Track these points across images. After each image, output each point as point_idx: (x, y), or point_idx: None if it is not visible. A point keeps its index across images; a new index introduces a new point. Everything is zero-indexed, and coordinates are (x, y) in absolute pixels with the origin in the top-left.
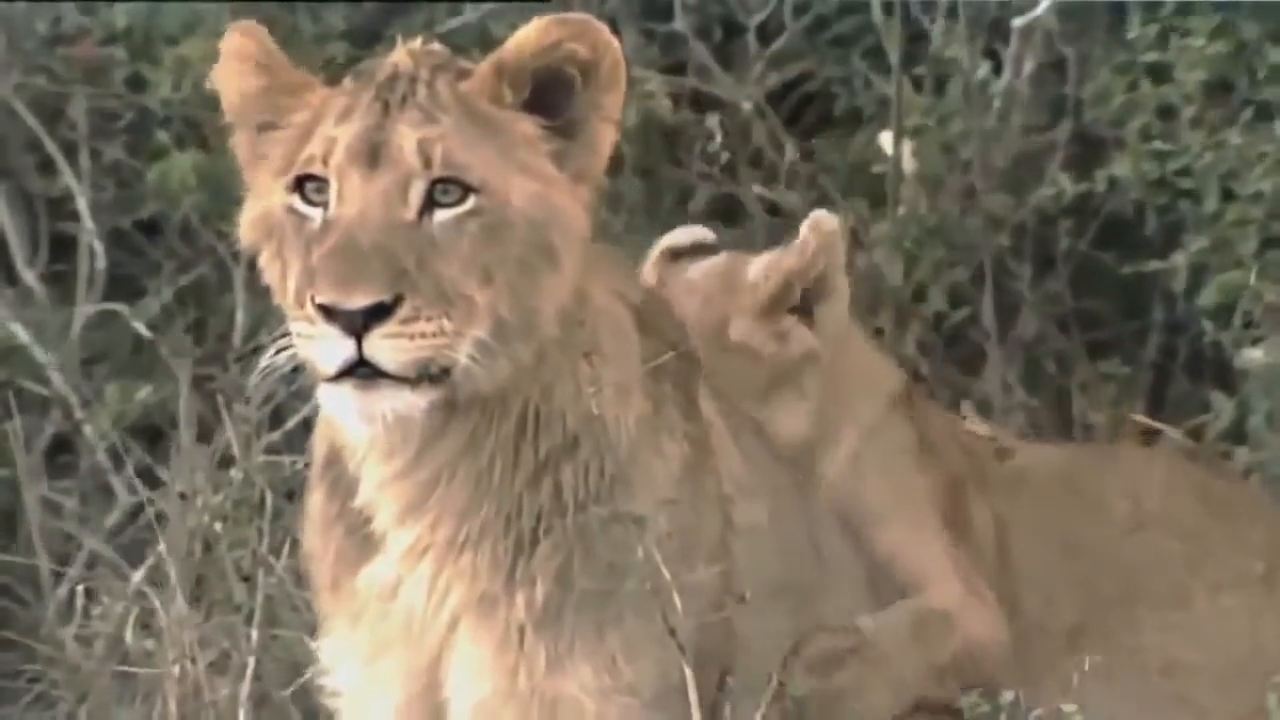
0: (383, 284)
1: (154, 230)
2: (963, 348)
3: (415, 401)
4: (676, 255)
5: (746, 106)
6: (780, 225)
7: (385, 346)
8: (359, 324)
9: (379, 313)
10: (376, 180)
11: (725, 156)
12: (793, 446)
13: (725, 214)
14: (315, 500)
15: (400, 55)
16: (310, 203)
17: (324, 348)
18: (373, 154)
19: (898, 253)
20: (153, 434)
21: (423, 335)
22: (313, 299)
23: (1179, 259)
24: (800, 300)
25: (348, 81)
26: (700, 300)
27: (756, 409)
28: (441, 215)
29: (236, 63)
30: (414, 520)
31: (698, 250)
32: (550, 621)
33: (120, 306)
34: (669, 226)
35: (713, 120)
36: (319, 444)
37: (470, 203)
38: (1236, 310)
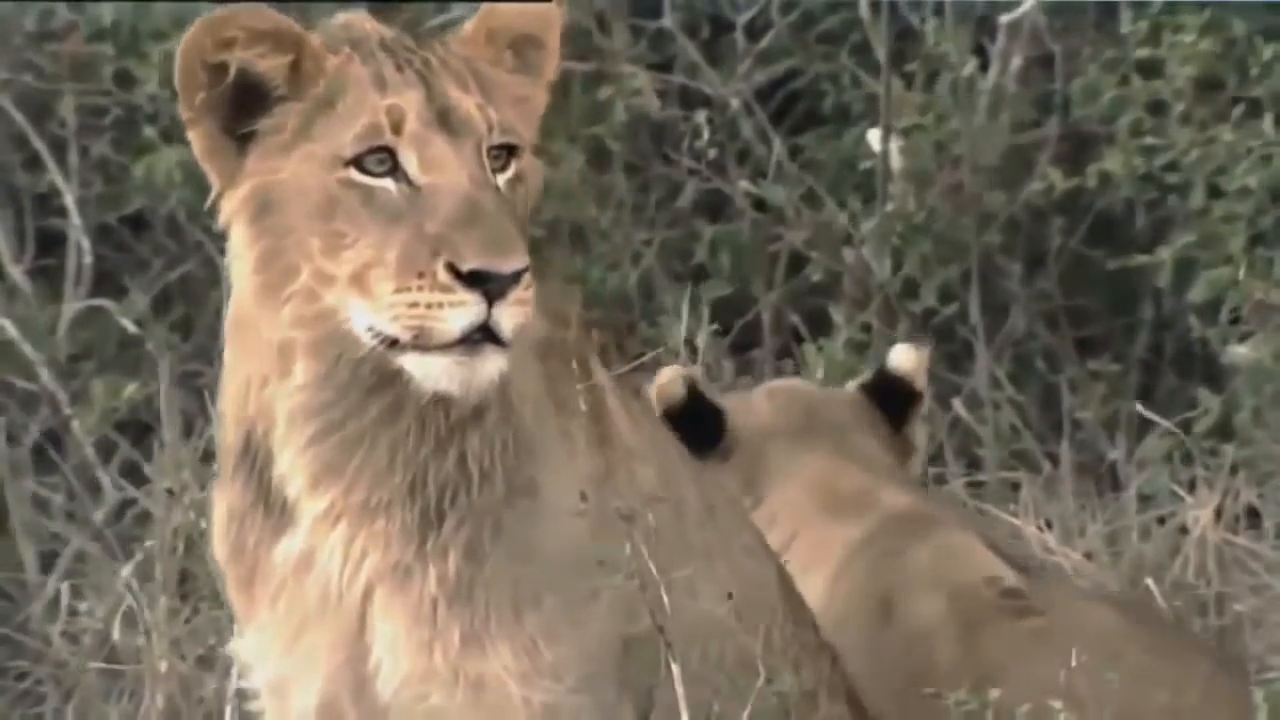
0: (524, 248)
1: (141, 226)
2: (951, 344)
3: (505, 368)
4: None
5: (734, 103)
6: (767, 221)
7: (510, 312)
8: (503, 289)
9: (518, 278)
10: (461, 147)
11: (713, 153)
12: None
13: (713, 210)
14: (231, 492)
15: (364, 21)
16: (371, 174)
17: (457, 314)
18: (444, 120)
19: (885, 249)
20: (140, 430)
21: (528, 301)
22: (450, 266)
23: (1165, 254)
24: None
25: (344, 49)
26: None
27: None
28: (500, 180)
29: (255, 40)
30: (327, 485)
31: None
32: (464, 597)
33: (107, 302)
34: (656, 222)
35: (700, 117)
36: (232, 432)
37: (514, 168)
38: (1224, 306)
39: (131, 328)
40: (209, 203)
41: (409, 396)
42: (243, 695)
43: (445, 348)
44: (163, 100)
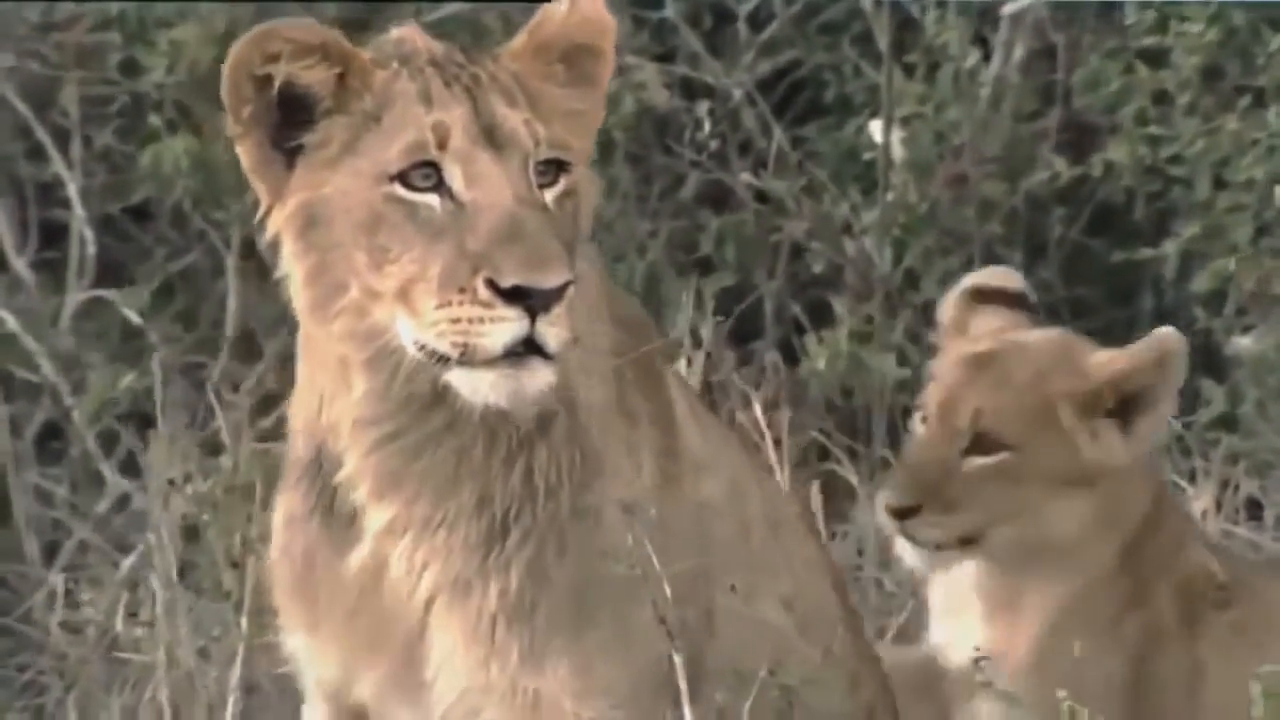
0: (567, 263)
1: (145, 216)
2: None
3: (552, 381)
4: (982, 296)
5: (737, 94)
6: (769, 212)
7: (556, 325)
8: (545, 304)
9: (561, 293)
10: (506, 163)
11: (715, 144)
12: (1053, 547)
13: (715, 201)
14: (293, 498)
15: (416, 37)
16: (416, 189)
17: (500, 330)
18: (490, 136)
19: (887, 240)
20: (144, 422)
21: (572, 313)
22: (490, 282)
23: (1170, 246)
24: (1122, 408)
25: (393, 64)
26: (1033, 372)
27: (1044, 496)
28: (547, 195)
29: (301, 53)
30: (392, 494)
31: (1002, 296)
32: (524, 615)
33: (111, 293)
34: (659, 213)
35: (703, 108)
36: (303, 444)
37: (563, 183)
38: (1228, 298)
39: (134, 318)
40: (258, 217)
41: (465, 410)
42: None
43: (490, 363)
44: (169, 89)
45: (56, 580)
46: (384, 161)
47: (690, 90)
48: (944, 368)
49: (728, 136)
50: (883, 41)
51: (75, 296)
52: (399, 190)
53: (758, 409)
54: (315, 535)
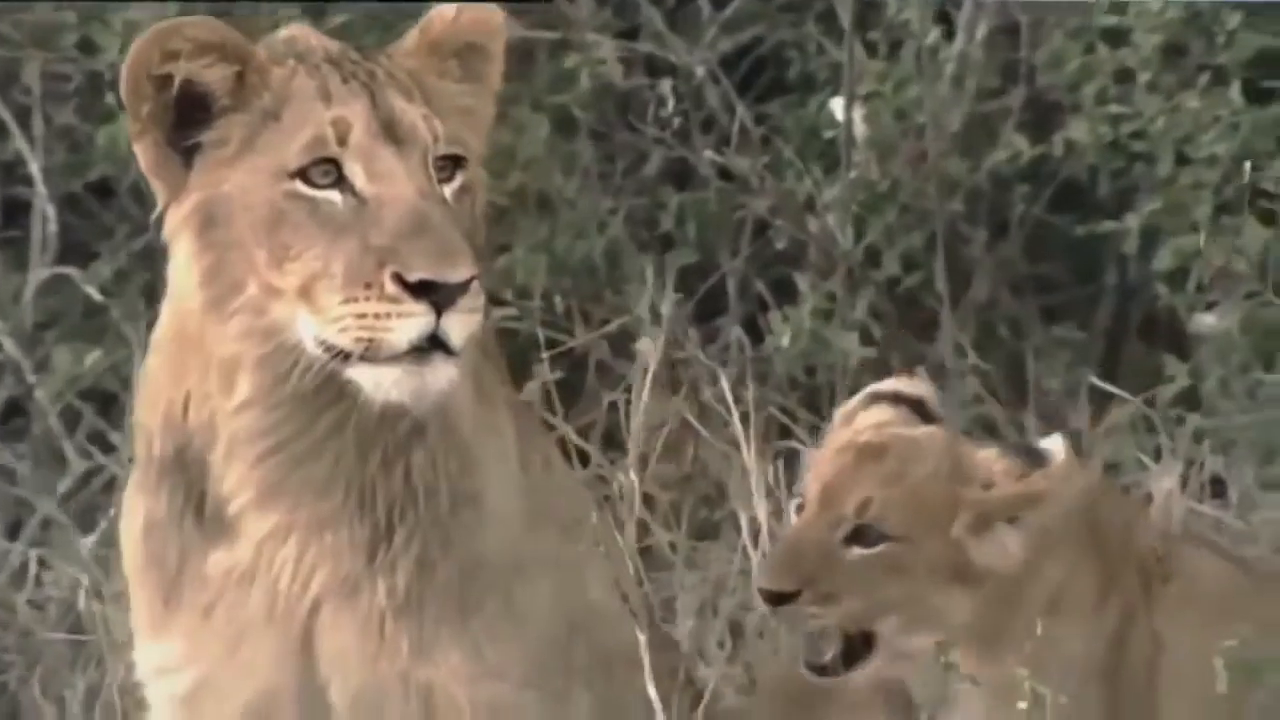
0: (472, 258)
1: (106, 193)
2: (916, 312)
3: (455, 377)
4: (880, 398)
5: (699, 71)
6: (732, 189)
7: (461, 321)
8: (451, 299)
9: (465, 287)
10: (407, 158)
11: (678, 121)
12: (923, 638)
13: (678, 178)
14: (154, 501)
15: (309, 35)
16: (317, 186)
17: (406, 325)
18: (390, 131)
19: (849, 217)
20: (105, 399)
21: (478, 309)
22: (398, 277)
23: (1132, 220)
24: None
25: (290, 61)
26: (928, 470)
27: (931, 590)
28: (446, 190)
29: (200, 51)
30: (274, 503)
31: (899, 399)
32: (412, 609)
33: (72, 270)
34: (621, 190)
35: (665, 85)
36: (160, 443)
37: (460, 178)
38: (1190, 275)
39: (97, 296)
40: (154, 216)
41: (355, 411)
42: None
43: (394, 359)
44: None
45: (24, 555)
46: (284, 158)
47: (653, 67)
48: (825, 456)
49: (690, 114)
50: (845, 19)
51: (38, 274)
52: (299, 187)
53: (725, 385)
54: (189, 538)
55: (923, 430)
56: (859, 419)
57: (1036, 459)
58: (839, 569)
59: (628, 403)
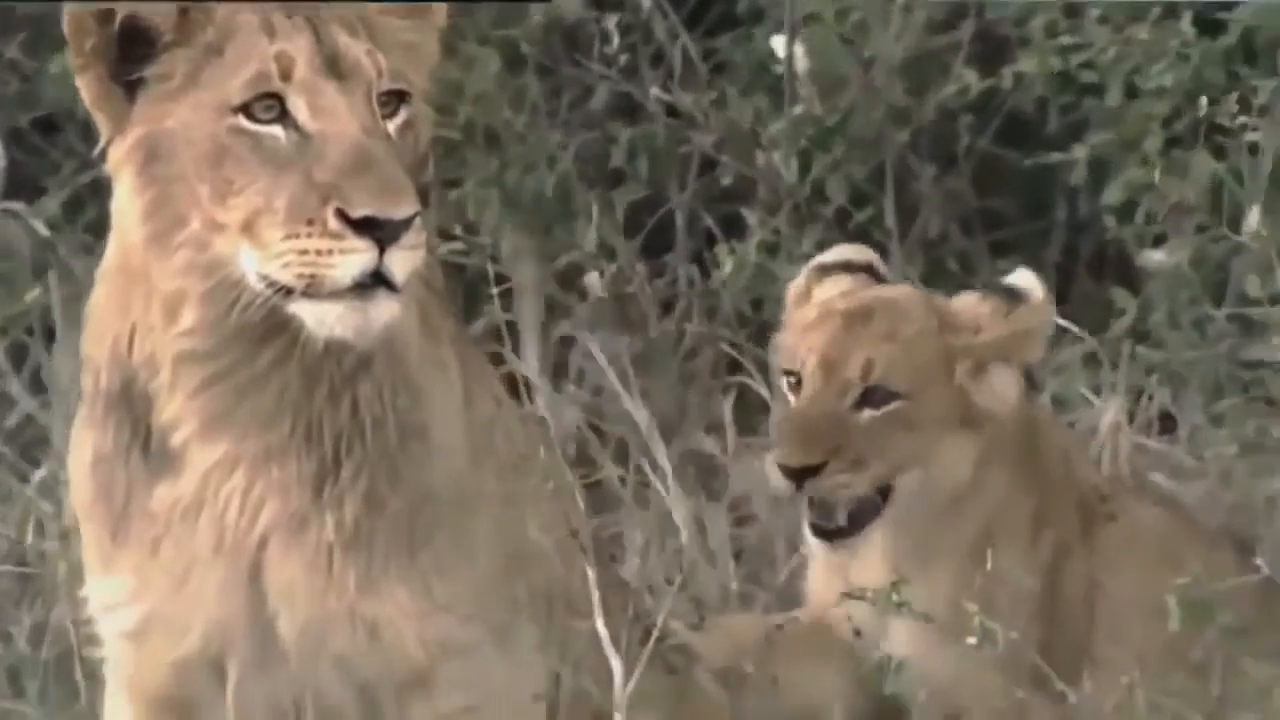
0: (414, 194)
1: (53, 129)
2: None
3: (398, 313)
4: (828, 270)
5: (646, 5)
6: (679, 125)
7: (403, 258)
8: (394, 235)
9: (409, 223)
10: (351, 93)
11: (625, 57)
12: (953, 490)
13: (625, 113)
14: (101, 435)
15: None
16: (260, 121)
17: (349, 261)
18: (333, 66)
19: (794, 152)
20: (53, 335)
21: (421, 245)
22: (341, 213)
23: (1080, 153)
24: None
25: None
26: (918, 324)
27: (937, 440)
28: (390, 126)
29: None
30: (220, 433)
31: (848, 267)
32: (361, 544)
33: (19, 206)
34: (569, 125)
35: (612, 20)
36: (107, 376)
37: (403, 114)
38: (1139, 208)
39: (43, 231)
40: (98, 150)
41: (299, 345)
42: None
43: (337, 295)
44: None
45: None
46: (227, 93)
47: (600, 1)
48: (809, 328)
49: (638, 48)
50: None
51: None
52: (243, 122)
53: (674, 319)
54: (135, 472)
55: (896, 288)
56: (819, 291)
57: (1014, 296)
58: (856, 433)
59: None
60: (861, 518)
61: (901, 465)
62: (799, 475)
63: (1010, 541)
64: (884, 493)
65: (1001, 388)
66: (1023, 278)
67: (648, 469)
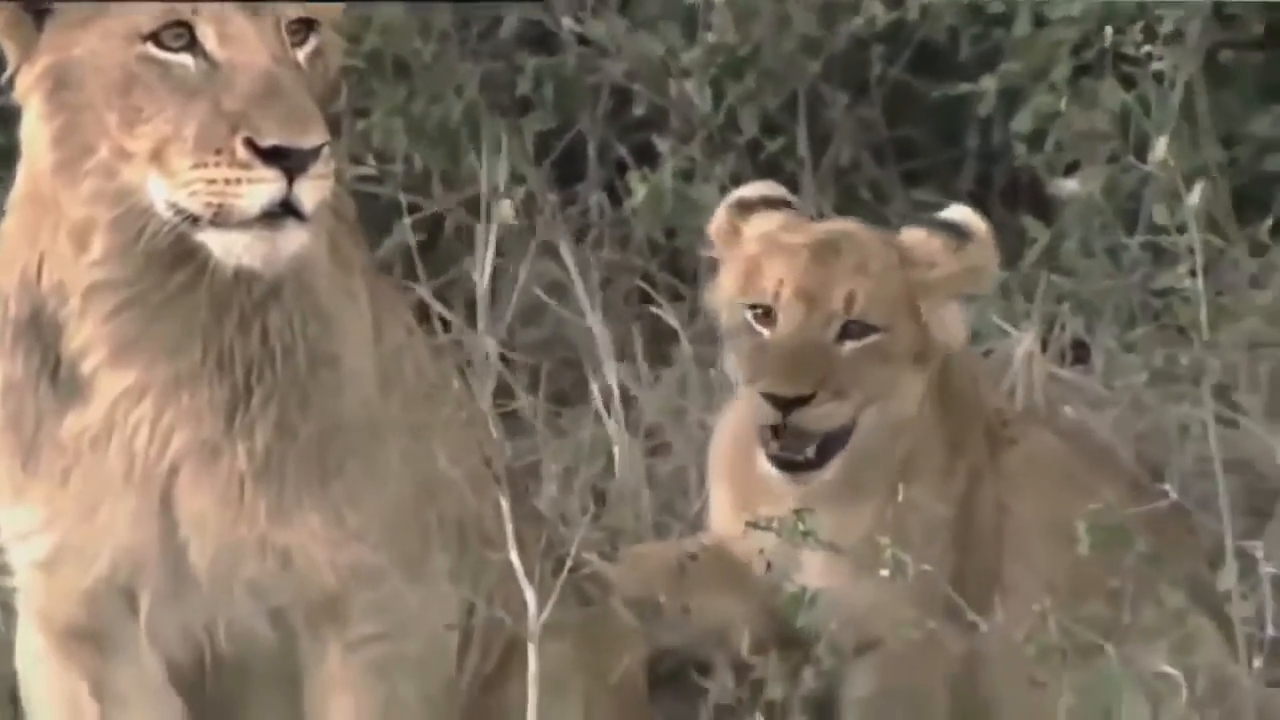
0: (323, 123)
1: None
2: (777, 177)
3: (306, 243)
4: (748, 206)
5: None
6: (590, 54)
7: (312, 187)
8: (302, 164)
9: (317, 153)
10: (260, 22)
11: None
12: (901, 423)
13: (535, 42)
14: (10, 364)
15: None
16: (169, 49)
17: (257, 191)
18: None
19: (706, 81)
20: None
21: (329, 175)
22: (249, 142)
23: (990, 82)
24: None
25: None
26: (884, 258)
27: (901, 374)
28: (299, 55)
29: None
30: (130, 360)
31: (768, 203)
32: (272, 472)
33: None
34: (478, 54)
35: None
36: (15, 304)
37: (313, 42)
38: (1049, 137)
39: None
40: (4, 77)
41: (208, 273)
42: None
43: (245, 224)
44: None
45: None
46: (136, 21)
47: None
48: (767, 260)
49: None
50: None
51: None
52: (151, 50)
53: (565, 250)
54: (45, 401)
55: (846, 223)
56: (751, 226)
57: (957, 231)
58: (839, 365)
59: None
60: (828, 451)
61: (873, 398)
62: (788, 405)
63: (929, 470)
64: (851, 425)
65: (953, 323)
66: (960, 213)
67: (596, 392)
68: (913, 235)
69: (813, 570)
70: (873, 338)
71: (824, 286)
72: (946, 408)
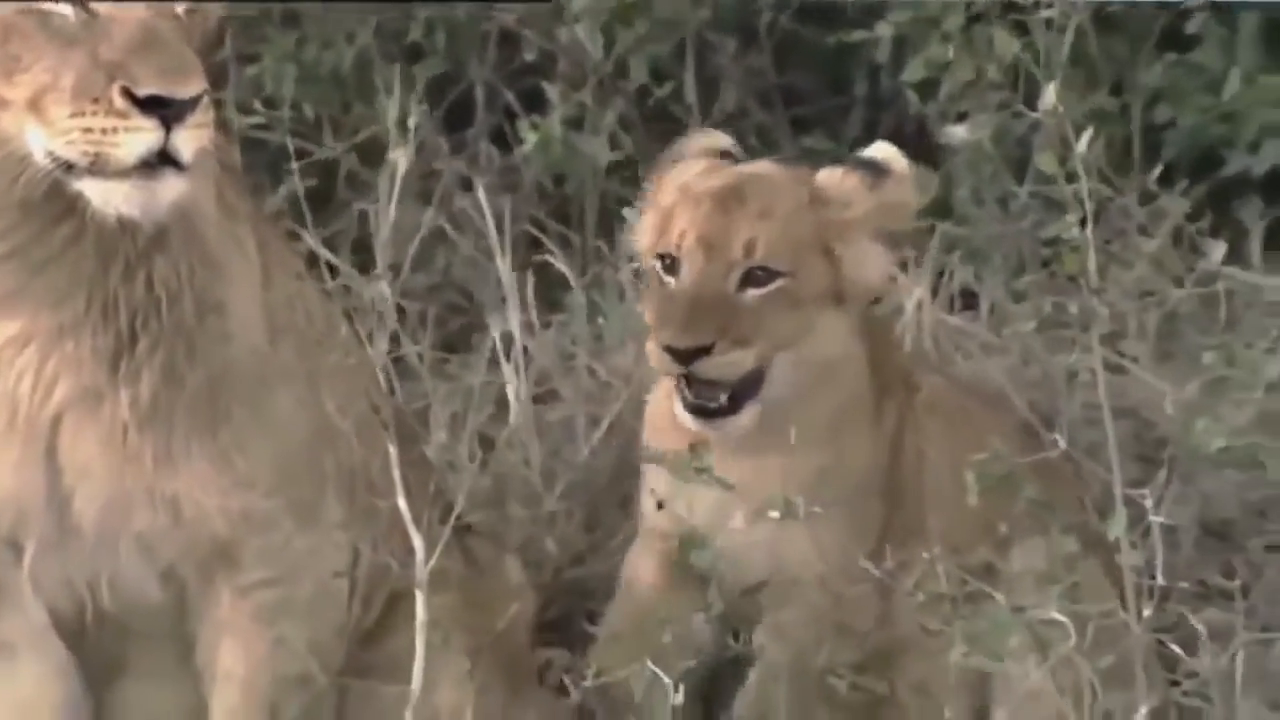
0: (201, 73)
1: None
2: (665, 123)
3: (185, 191)
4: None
5: None
6: (483, 2)
7: (190, 137)
8: (180, 114)
9: (195, 103)
10: None
11: None
12: (824, 367)
13: None
14: None
15: None
16: None
17: (134, 140)
18: None
19: (598, 26)
20: None
21: (208, 124)
22: (126, 91)
23: (883, 29)
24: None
25: None
26: (792, 200)
27: (814, 317)
28: (178, 5)
29: None
30: (13, 309)
31: (705, 153)
32: (159, 420)
33: None
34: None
35: None
36: None
37: None
38: (941, 86)
39: None
40: None
41: (92, 221)
42: None
43: (123, 173)
44: None
45: None
46: None
47: None
48: (675, 209)
49: None
50: None
51: None
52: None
53: (481, 194)
54: None
55: (761, 165)
56: (672, 175)
57: (876, 169)
58: (742, 313)
59: (377, 213)
60: (740, 398)
61: (783, 343)
62: (688, 357)
63: (862, 416)
64: (761, 371)
65: (873, 263)
66: (881, 149)
67: (496, 338)
68: (828, 175)
69: (737, 520)
70: (777, 283)
71: (724, 234)
72: (873, 351)
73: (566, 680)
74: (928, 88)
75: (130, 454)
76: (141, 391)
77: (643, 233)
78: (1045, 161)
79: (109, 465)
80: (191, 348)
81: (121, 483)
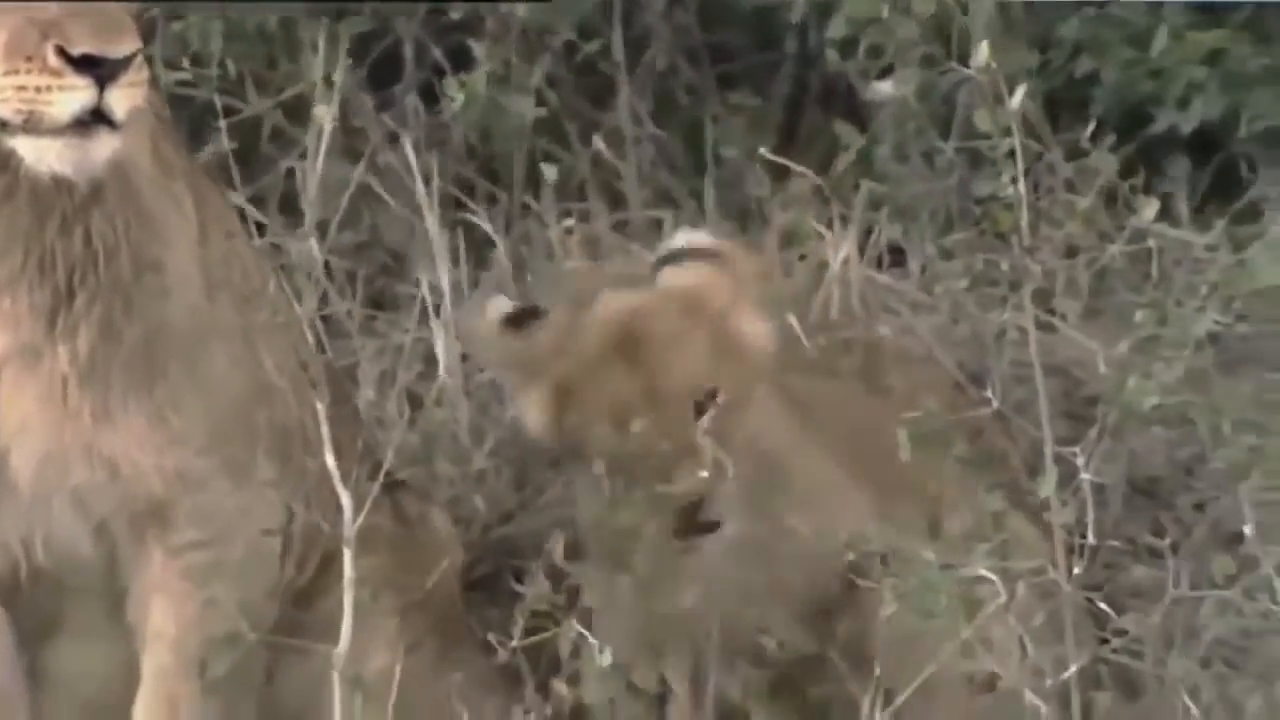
0: (135, 31)
1: None
2: (592, 80)
3: (119, 149)
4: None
5: None
6: None
7: (123, 95)
8: (114, 73)
9: (129, 62)
10: None
11: None
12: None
13: None
14: None
15: None
16: None
17: (68, 99)
18: None
19: None
20: None
21: (141, 83)
22: (60, 50)
23: None
24: None
25: None
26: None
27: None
28: None
29: None
30: None
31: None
32: (97, 376)
33: None
34: None
35: None
36: None
37: None
38: (862, 43)
39: None
40: None
41: (26, 178)
42: None
43: (56, 131)
44: None
45: None
46: None
47: None
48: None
49: None
50: None
51: None
52: None
53: (409, 149)
54: None
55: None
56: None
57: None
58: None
59: (304, 171)
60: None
61: None
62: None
63: None
64: None
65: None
66: (690, 238)
67: (426, 294)
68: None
69: None
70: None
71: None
72: None
73: (493, 640)
74: (850, 44)
75: (70, 411)
76: (79, 347)
77: None
78: (980, 118)
79: (47, 421)
80: (129, 304)
81: (60, 439)
